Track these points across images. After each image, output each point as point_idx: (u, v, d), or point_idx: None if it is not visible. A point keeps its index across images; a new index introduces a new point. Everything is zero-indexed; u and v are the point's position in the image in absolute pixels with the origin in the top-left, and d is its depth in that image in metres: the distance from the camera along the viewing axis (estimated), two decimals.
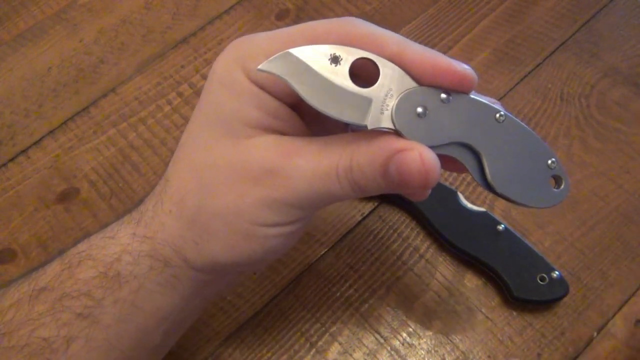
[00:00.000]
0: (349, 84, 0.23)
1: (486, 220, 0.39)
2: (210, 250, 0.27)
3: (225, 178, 0.26)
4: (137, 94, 0.48)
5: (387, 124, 0.24)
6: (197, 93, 0.48)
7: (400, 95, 0.23)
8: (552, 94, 0.46)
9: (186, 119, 0.47)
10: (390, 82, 0.23)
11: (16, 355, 0.26)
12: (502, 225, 0.38)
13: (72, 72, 0.50)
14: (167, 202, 0.27)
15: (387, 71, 0.23)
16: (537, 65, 0.47)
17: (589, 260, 0.39)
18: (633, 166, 0.42)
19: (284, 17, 0.52)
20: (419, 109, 0.24)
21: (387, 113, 0.23)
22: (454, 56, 0.49)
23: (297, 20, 0.52)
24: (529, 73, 0.47)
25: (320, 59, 0.23)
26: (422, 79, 0.24)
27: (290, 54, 0.23)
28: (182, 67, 0.49)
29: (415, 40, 0.25)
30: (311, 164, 0.25)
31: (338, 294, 0.39)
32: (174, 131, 0.46)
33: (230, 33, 0.51)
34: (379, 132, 0.24)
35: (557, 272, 0.37)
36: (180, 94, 0.48)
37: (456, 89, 0.24)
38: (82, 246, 0.28)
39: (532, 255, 0.38)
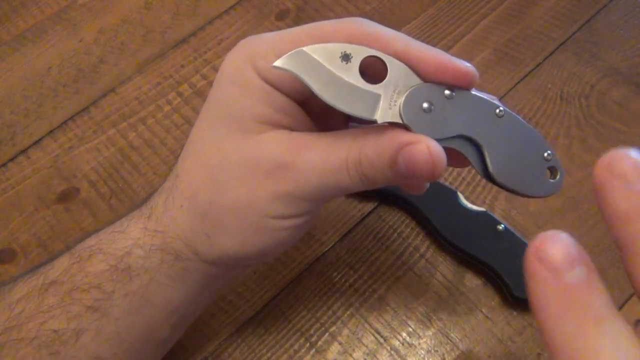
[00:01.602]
0: (359, 81, 0.24)
1: (486, 220, 0.39)
2: (221, 243, 0.27)
3: (237, 173, 0.26)
4: (137, 93, 0.48)
5: (395, 118, 0.25)
6: (197, 93, 0.48)
7: (407, 92, 0.24)
8: (552, 94, 0.46)
9: (186, 119, 0.47)
10: (398, 79, 0.25)
11: (25, 347, 0.26)
12: (502, 225, 0.38)
13: (72, 72, 0.50)
14: (178, 197, 0.28)
15: (395, 68, 0.25)
16: (537, 65, 0.47)
17: None
18: None
19: (284, 17, 0.52)
20: (425, 104, 0.25)
21: (395, 108, 0.24)
22: (454, 56, 0.49)
23: (297, 20, 0.52)
24: (529, 73, 0.47)
25: (332, 57, 0.24)
26: (427, 76, 0.25)
27: (304, 52, 0.24)
28: (182, 67, 0.49)
29: None
30: (321, 157, 0.25)
31: (338, 294, 0.39)
32: (174, 131, 0.46)
33: (230, 33, 0.51)
34: (387, 126, 0.25)
35: None
36: (180, 94, 0.48)
37: (459, 85, 0.25)
38: (90, 241, 0.29)
39: None
